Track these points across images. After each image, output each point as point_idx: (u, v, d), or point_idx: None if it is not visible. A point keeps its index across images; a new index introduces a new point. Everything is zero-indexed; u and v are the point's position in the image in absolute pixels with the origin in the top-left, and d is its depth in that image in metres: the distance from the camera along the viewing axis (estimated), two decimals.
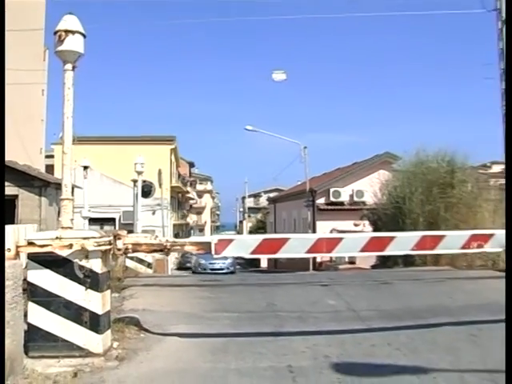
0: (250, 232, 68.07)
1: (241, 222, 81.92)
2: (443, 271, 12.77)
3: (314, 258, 32.60)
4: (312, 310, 7.82)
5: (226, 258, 31.85)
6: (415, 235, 6.62)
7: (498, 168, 23.22)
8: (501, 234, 6.76)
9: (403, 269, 14.32)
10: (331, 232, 31.63)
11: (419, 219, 14.98)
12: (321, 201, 33.43)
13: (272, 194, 63.85)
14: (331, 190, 32.93)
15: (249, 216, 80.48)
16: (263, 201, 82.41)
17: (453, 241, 6.53)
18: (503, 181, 15.84)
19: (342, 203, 32.57)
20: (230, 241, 6.06)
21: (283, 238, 6.28)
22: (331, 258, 31.05)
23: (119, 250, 5.60)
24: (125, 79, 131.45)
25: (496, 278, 11.18)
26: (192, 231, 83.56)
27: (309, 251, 6.15)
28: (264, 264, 50.34)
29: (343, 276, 13.62)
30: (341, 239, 6.25)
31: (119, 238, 5.57)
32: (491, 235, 6.57)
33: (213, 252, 5.84)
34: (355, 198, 31.81)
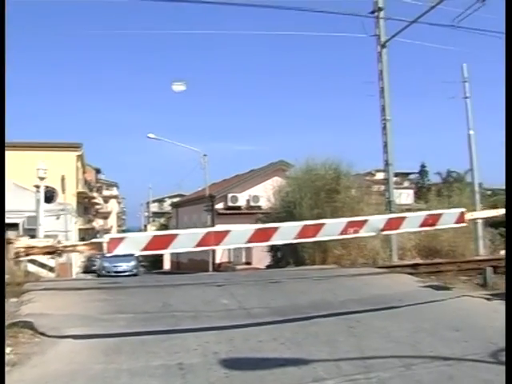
0: None
1: (145, 226, 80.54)
2: (329, 269, 13.20)
3: (214, 260, 32.71)
4: (206, 310, 7.79)
5: (129, 260, 31.24)
6: (297, 225, 6.77)
7: (381, 175, 24.36)
8: (374, 219, 7.11)
9: (294, 268, 14.66)
10: None
11: None
12: (220, 205, 33.57)
13: (176, 199, 63.23)
14: (229, 195, 33.14)
15: (153, 220, 79.44)
16: (167, 206, 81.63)
17: (332, 228, 6.75)
18: (383, 187, 16.66)
19: (239, 208, 32.85)
20: (122, 239, 5.95)
21: (173, 234, 6.25)
22: (229, 259, 31.31)
23: (16, 253, 5.35)
24: (35, 86, 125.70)
25: (375, 274, 11.74)
26: (98, 235, 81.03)
27: (198, 245, 6.15)
28: (167, 266, 49.87)
29: (238, 276, 13.69)
30: (228, 232, 6.29)
31: (10, 243, 5.31)
32: (365, 221, 6.87)
33: (105, 250, 5.70)
34: (252, 203, 32.20)
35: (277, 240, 6.65)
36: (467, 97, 20.16)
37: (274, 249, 18.06)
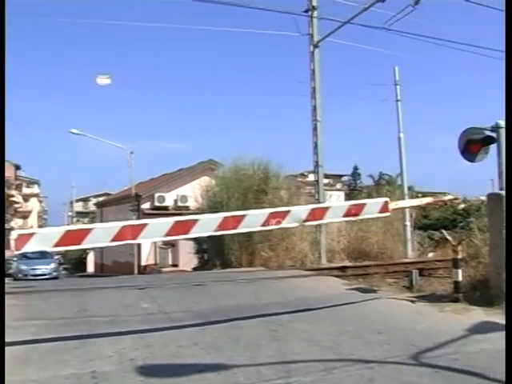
0: None
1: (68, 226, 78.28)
2: (256, 272, 13.26)
3: (139, 262, 32.21)
4: (125, 314, 7.64)
5: (48, 262, 30.22)
6: (218, 217, 6.72)
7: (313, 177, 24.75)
8: (296, 210, 7.20)
9: (221, 270, 14.66)
10: None
11: None
12: (146, 205, 33.06)
13: (101, 199, 61.81)
14: (156, 194, 32.71)
15: (77, 220, 77.39)
16: (92, 205, 79.78)
17: (253, 219, 6.75)
18: (312, 189, 16.91)
19: (166, 208, 32.45)
20: (31, 235, 5.71)
21: (87, 229, 6.08)
22: (156, 261, 30.91)
23: None
24: None
25: (302, 276, 11.89)
26: None
27: (114, 239, 5.99)
28: (91, 268, 48.69)
29: (162, 279, 13.53)
30: (145, 225, 6.18)
31: None
32: (287, 212, 6.92)
33: (12, 248, 5.46)
34: (179, 203, 31.90)
35: (197, 232, 6.59)
36: (398, 100, 20.86)
37: (200, 251, 17.99)
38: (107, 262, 41.05)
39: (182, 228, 6.44)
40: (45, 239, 5.81)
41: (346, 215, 7.50)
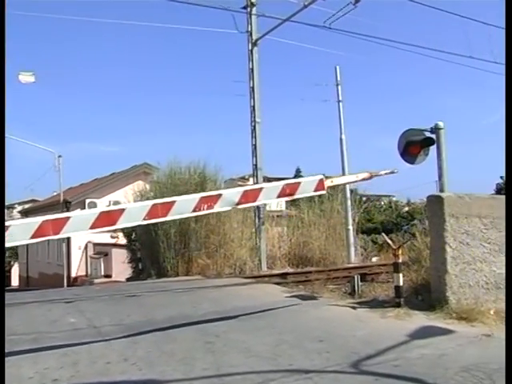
0: None
1: None
2: (193, 281, 13.19)
3: (69, 273, 31.51)
4: (49, 330, 7.42)
5: None
6: (145, 205, 6.64)
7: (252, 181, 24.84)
8: (228, 192, 7.23)
9: (156, 280, 14.48)
10: (87, 245, 30.97)
11: (171, 230, 15.27)
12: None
13: (28, 205, 59.98)
14: (87, 201, 32.06)
15: None
16: (17, 213, 77.27)
17: (184, 205, 6.72)
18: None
19: None
20: None
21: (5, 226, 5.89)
22: (87, 272, 30.33)
23: None
24: None
25: (241, 284, 11.91)
26: None
27: (33, 236, 5.82)
28: (15, 282, 47.24)
29: (92, 291, 13.23)
30: (68, 218, 6.03)
31: None
32: (219, 195, 6.94)
33: None
34: None
35: (124, 223, 6.47)
36: (340, 100, 21.24)
37: (134, 260, 17.75)
38: (33, 275, 39.94)
39: (108, 219, 6.35)
40: None
41: (280, 195, 7.55)
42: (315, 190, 7.98)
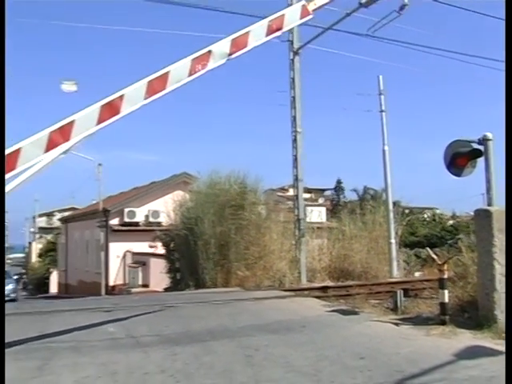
0: (40, 255, 64.85)
1: (30, 243, 77.24)
2: (232, 293, 13.18)
3: (107, 282, 31.87)
4: (89, 339, 7.52)
5: (6, 283, 29.85)
6: (142, 84, 6.81)
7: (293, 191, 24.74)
8: (217, 46, 7.35)
9: (194, 291, 14.54)
10: (125, 254, 31.30)
11: (211, 241, 15.33)
12: (115, 221, 32.70)
13: (67, 213, 61.09)
14: (126, 209, 32.37)
15: (40, 237, 76.20)
16: (57, 220, 78.78)
17: (179, 73, 7.00)
18: (292, 204, 16.92)
19: (136, 224, 32.14)
20: None
21: (15, 150, 6.04)
22: (125, 281, 30.61)
23: None
24: None
25: (281, 297, 11.85)
26: None
27: (47, 149, 6.17)
28: (54, 289, 48.00)
29: (130, 300, 13.34)
30: (73, 121, 6.28)
31: None
32: (209, 51, 7.23)
33: None
34: (151, 219, 31.62)
35: (128, 108, 6.65)
36: (383, 110, 21.01)
37: (172, 270, 17.84)
38: (72, 282, 40.52)
39: (111, 109, 6.55)
40: None
41: (268, 33, 7.85)
42: (301, 18, 8.18)
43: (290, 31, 16.84)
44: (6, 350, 6.96)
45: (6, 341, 7.45)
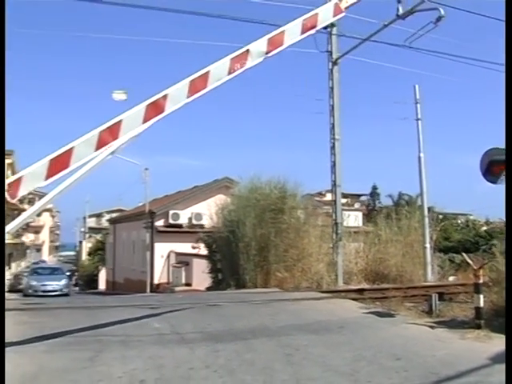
0: (89, 254, 66.04)
1: (80, 242, 78.79)
2: (272, 293, 13.20)
3: (152, 280, 32.23)
4: (136, 334, 7.64)
5: (59, 278, 30.54)
6: (185, 84, 6.94)
7: (330, 196, 24.60)
8: (254, 45, 7.37)
9: (235, 291, 14.60)
10: (169, 254, 31.61)
11: (252, 243, 15.39)
12: (160, 223, 33.08)
13: (115, 215, 62.07)
14: (170, 212, 32.72)
15: (89, 236, 77.67)
16: (105, 221, 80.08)
17: (218, 72, 7.14)
18: (330, 209, 16.86)
19: (180, 225, 32.45)
20: (20, 178, 5.94)
21: (68, 149, 6.25)
22: (168, 279, 30.90)
23: None
24: None
25: (318, 298, 11.80)
26: (28, 251, 78.86)
27: (98, 147, 6.33)
28: (102, 286, 48.82)
29: (175, 298, 13.49)
30: (120, 121, 6.48)
31: None
32: (247, 51, 7.37)
33: (9, 198, 5.57)
34: (194, 221, 31.90)
35: (172, 107, 6.89)
36: (419, 118, 20.76)
37: (214, 270, 17.96)
38: (119, 280, 41.11)
39: (156, 108, 6.68)
40: (35, 176, 5.94)
41: (303, 31, 7.91)
42: (334, 15, 8.19)
43: (329, 42, 16.85)
44: (61, 340, 7.17)
45: (60, 331, 7.69)
